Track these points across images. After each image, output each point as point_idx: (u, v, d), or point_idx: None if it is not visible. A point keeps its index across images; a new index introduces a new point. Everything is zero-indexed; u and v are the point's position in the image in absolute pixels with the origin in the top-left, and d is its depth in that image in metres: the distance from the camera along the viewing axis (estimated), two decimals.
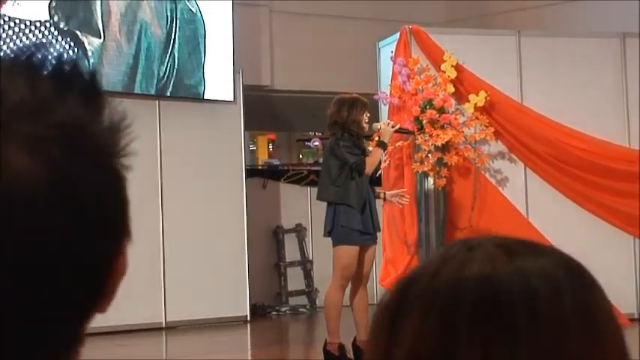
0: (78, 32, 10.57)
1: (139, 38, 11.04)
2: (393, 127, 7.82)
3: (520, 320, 0.88)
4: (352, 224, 7.40)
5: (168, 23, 11.33)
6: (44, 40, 10.17)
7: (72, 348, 0.82)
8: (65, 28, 10.47)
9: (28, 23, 10.19)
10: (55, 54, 0.85)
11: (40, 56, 0.83)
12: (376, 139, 7.87)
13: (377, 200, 7.82)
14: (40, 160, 0.76)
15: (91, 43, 10.67)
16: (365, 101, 7.66)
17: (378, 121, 9.67)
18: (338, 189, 7.47)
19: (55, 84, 0.81)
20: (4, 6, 9.64)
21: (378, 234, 7.83)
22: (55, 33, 10.39)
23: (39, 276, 0.76)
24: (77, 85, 0.82)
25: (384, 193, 8.00)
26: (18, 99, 0.78)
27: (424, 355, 0.91)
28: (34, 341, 0.77)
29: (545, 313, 0.89)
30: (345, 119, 7.50)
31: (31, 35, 10.10)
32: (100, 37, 10.72)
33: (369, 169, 7.47)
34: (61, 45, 10.36)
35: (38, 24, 10.27)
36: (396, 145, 9.51)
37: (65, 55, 0.85)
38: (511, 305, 0.89)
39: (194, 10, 11.41)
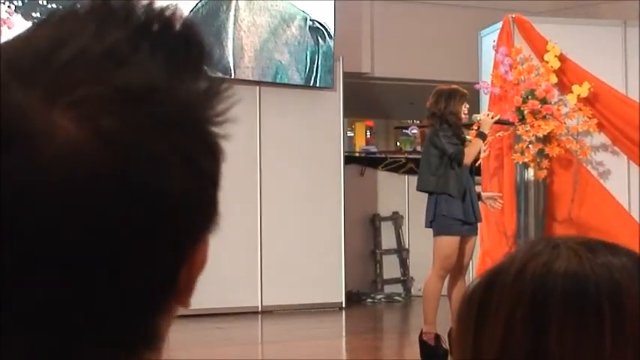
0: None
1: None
2: (492, 117, 7.77)
3: (606, 311, 0.95)
4: (454, 213, 7.38)
5: (308, 68, 11.44)
6: None
7: (149, 346, 0.71)
8: None
9: None
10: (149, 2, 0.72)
11: (124, 2, 0.71)
12: (476, 129, 7.82)
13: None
14: (90, 130, 0.64)
15: None
16: (464, 92, 7.60)
17: (478, 112, 9.61)
18: (438, 179, 7.45)
19: (135, 35, 0.69)
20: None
21: (478, 225, 7.78)
22: None
23: (100, 274, 0.66)
24: (165, 39, 0.70)
25: (480, 194, 7.94)
26: (78, 47, 0.67)
27: (514, 343, 0.96)
28: (101, 343, 0.67)
29: (628, 306, 0.96)
30: (443, 111, 7.46)
31: None
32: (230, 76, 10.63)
33: (467, 159, 7.42)
34: None
35: None
36: (497, 135, 9.42)
37: (161, 7, 0.72)
38: (598, 297, 0.96)
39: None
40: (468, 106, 7.59)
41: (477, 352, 0.99)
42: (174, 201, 0.67)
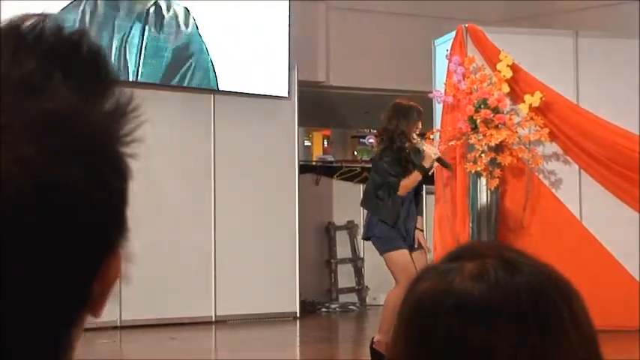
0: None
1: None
2: (435, 154, 7.65)
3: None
4: (387, 234, 7.40)
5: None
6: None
7: (63, 356, 0.74)
8: None
9: None
10: (57, 24, 0.74)
11: (34, 25, 0.73)
12: (422, 148, 7.65)
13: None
14: (11, 158, 0.67)
15: None
16: (420, 110, 7.58)
17: (432, 121, 9.65)
18: (377, 202, 7.48)
19: (47, 61, 0.72)
20: None
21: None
22: None
23: (17, 288, 0.69)
24: (73, 62, 0.73)
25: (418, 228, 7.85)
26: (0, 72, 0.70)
27: None
28: (16, 348, 0.70)
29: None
30: (394, 129, 7.46)
31: None
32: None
33: (402, 191, 7.42)
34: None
35: None
36: (449, 144, 9.45)
37: (67, 27, 0.75)
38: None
39: None
40: (420, 127, 7.57)
41: None
42: (89, 220, 0.71)
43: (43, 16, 0.74)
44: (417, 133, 7.54)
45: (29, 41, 0.72)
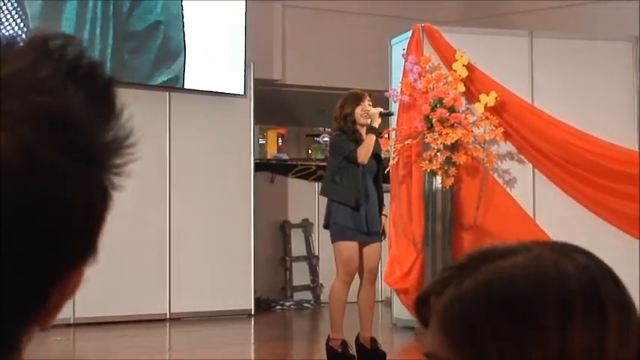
0: None
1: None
2: (378, 110, 7.61)
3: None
4: (344, 221, 7.38)
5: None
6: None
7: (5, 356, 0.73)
8: None
9: None
10: (81, 48, 0.79)
11: (60, 44, 0.77)
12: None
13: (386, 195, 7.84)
14: (12, 137, 0.70)
15: None
16: (359, 94, 7.61)
17: (388, 120, 9.66)
18: (334, 185, 7.47)
19: (64, 74, 0.75)
20: None
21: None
22: None
23: None
24: (88, 84, 0.77)
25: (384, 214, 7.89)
26: (15, 69, 0.73)
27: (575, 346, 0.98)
28: None
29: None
30: (339, 115, 7.52)
31: None
32: None
33: (361, 157, 7.37)
34: None
35: None
36: (405, 143, 9.49)
37: (90, 56, 0.79)
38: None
39: None
40: (369, 107, 7.54)
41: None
42: (70, 219, 0.72)
43: (70, 37, 0.78)
44: (363, 115, 7.50)
45: (53, 52, 0.76)
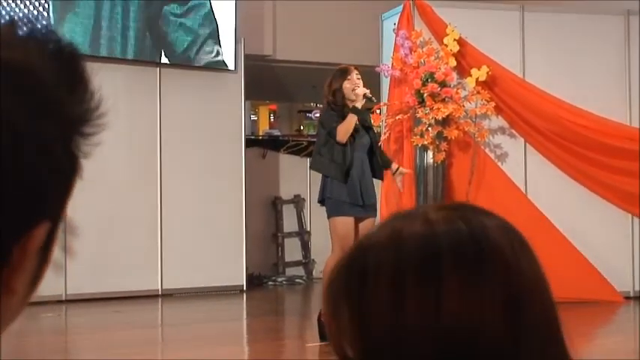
0: None
1: None
2: (363, 92, 7.59)
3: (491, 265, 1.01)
4: (338, 195, 7.38)
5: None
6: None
7: None
8: None
9: None
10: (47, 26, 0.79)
11: (29, 23, 0.78)
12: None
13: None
14: None
15: None
16: (345, 68, 7.59)
17: (379, 94, 9.65)
18: (322, 159, 7.46)
19: (36, 46, 0.76)
20: None
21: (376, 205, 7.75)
22: None
23: None
24: (55, 54, 0.77)
25: (398, 169, 7.92)
26: None
27: (410, 307, 0.98)
28: None
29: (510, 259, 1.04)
30: (327, 91, 7.51)
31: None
32: None
33: (340, 136, 7.36)
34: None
35: None
36: (396, 118, 9.48)
37: (62, 39, 0.80)
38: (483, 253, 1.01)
39: None
40: (357, 80, 7.51)
41: (363, 326, 0.98)
42: (32, 174, 0.72)
43: (38, 20, 0.78)
44: (354, 90, 7.49)
45: (19, 29, 0.77)
